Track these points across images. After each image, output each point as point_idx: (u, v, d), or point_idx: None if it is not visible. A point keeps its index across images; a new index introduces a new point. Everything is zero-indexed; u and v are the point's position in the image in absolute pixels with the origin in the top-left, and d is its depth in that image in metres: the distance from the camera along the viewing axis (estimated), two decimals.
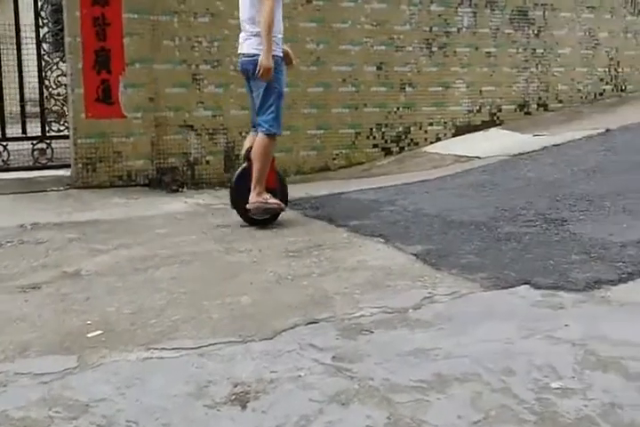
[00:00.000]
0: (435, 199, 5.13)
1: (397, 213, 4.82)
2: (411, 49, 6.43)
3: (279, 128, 4.48)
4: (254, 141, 4.45)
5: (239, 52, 4.49)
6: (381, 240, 4.13)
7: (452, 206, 4.82)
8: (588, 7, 7.18)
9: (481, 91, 6.91)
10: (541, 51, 7.12)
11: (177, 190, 5.88)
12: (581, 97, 7.37)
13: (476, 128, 6.98)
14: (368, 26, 5.27)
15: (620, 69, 7.41)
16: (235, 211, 4.62)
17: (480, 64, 6.84)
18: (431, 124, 6.81)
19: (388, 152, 6.79)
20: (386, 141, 6.74)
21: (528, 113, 7.24)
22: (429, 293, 3.14)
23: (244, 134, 6.13)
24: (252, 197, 4.43)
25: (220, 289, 3.31)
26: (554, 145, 6.18)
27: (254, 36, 4.31)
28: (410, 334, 2.65)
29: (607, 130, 6.29)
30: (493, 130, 7.03)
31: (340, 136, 6.55)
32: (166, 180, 5.98)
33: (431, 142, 6.92)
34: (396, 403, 2.07)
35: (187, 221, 4.84)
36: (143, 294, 3.25)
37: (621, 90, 7.49)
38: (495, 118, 7.07)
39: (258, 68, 4.23)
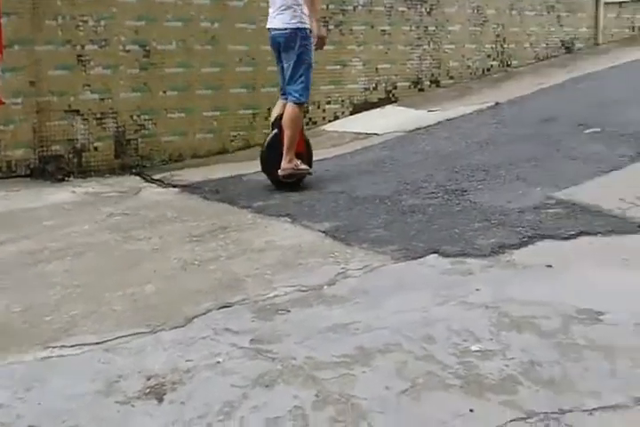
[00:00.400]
0: (337, 177, 5.10)
1: (301, 192, 4.75)
2: None
3: (308, 97, 4.79)
4: (281, 109, 4.72)
5: (269, 26, 4.70)
6: (288, 220, 4.04)
7: (356, 183, 4.81)
8: None
9: (377, 68, 6.95)
10: (433, 28, 7.24)
11: (62, 180, 5.49)
12: (471, 73, 7.59)
13: (372, 106, 7.02)
14: (264, 3, 5.11)
15: (505, 46, 7.68)
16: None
17: (375, 42, 6.86)
18: (329, 103, 6.78)
19: None
20: None
21: (421, 89, 7.37)
22: (342, 268, 3.10)
23: (135, 118, 5.84)
24: (284, 164, 4.66)
25: (120, 280, 3.10)
26: (447, 120, 6.32)
27: (285, 10, 4.52)
28: (327, 311, 2.59)
29: (496, 103, 6.51)
30: (389, 107, 7.10)
31: (238, 117, 6.38)
32: (50, 169, 5.58)
33: (329, 121, 6.89)
34: (321, 380, 2.00)
35: (76, 211, 4.53)
36: (35, 289, 3.00)
37: (507, 65, 7.77)
38: (391, 96, 7.14)
39: (313, 40, 4.56)
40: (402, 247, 3.39)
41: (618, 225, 3.48)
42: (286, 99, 4.72)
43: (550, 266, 3.01)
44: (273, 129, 4.85)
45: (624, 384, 1.94)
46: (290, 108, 4.63)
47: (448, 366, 2.07)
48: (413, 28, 7.11)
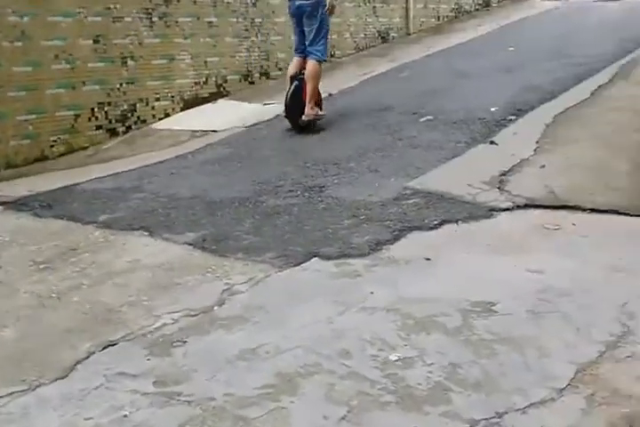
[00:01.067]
0: (184, 180, 4.82)
1: (150, 200, 4.41)
2: (130, 20, 5.86)
3: (326, 55, 5.79)
4: (299, 66, 5.63)
5: None
6: (145, 233, 3.74)
7: (207, 186, 4.58)
8: None
9: (206, 62, 6.67)
10: (260, 20, 7.11)
11: None
12: None
13: (204, 100, 6.74)
14: None
15: (328, 36, 7.76)
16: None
17: (203, 34, 6.57)
18: (158, 100, 6.39)
19: (113, 133, 6.21)
20: (110, 122, 6.15)
21: (252, 82, 7.24)
22: (226, 284, 2.92)
23: None
24: (308, 110, 5.50)
25: None
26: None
27: None
28: (227, 335, 2.42)
29: (330, 95, 6.57)
30: (221, 101, 6.87)
31: (58, 120, 5.78)
32: None
33: (160, 119, 6.50)
34: (252, 420, 1.84)
35: None
36: None
37: (331, 56, 7.86)
38: (222, 89, 6.91)
39: (326, 8, 5.44)
40: (280, 253, 3.28)
41: (472, 211, 3.67)
42: (303, 57, 5.63)
43: (429, 259, 3.09)
44: (292, 83, 5.63)
45: (540, 377, 2.02)
46: (312, 65, 5.51)
47: (375, 381, 2.02)
48: (240, 19, 6.93)
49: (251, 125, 6.06)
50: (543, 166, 4.18)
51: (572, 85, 5.57)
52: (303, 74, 5.56)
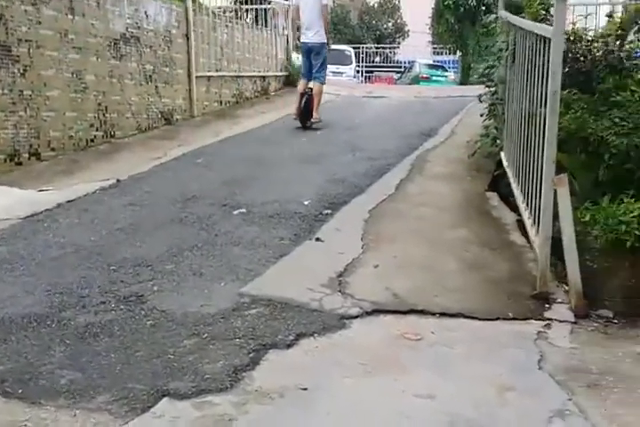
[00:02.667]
0: None
1: None
2: None
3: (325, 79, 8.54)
4: (305, 86, 8.19)
5: (306, 41, 8.15)
6: None
7: None
8: (74, 47, 6.61)
9: None
10: (29, 92, 6.20)
11: None
12: (74, 144, 6.75)
13: None
14: None
15: (108, 115, 7.12)
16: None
17: None
18: None
19: None
20: None
21: (19, 163, 6.23)
22: None
23: None
24: (314, 115, 8.09)
25: None
26: (68, 201, 5.41)
27: (318, 32, 8.05)
28: None
29: (118, 181, 5.91)
30: None
31: None
32: None
33: None
34: None
35: None
36: None
37: (111, 136, 7.21)
38: None
39: (325, 48, 8.23)
40: (117, 395, 2.60)
41: (324, 320, 3.37)
42: (308, 80, 8.21)
43: (305, 389, 2.68)
44: (302, 97, 8.14)
45: None
46: (317, 86, 8.14)
47: None
48: (6, 91, 5.98)
49: (27, 217, 5.10)
50: (377, 266, 4.08)
51: (375, 179, 5.72)
52: (309, 91, 8.13)
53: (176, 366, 2.86)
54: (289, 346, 3.10)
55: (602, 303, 3.54)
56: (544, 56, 3.65)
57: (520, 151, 4.60)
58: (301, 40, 8.30)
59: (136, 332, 3.22)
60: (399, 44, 25.70)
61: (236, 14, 9.67)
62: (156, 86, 7.84)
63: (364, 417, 2.43)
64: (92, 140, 7.00)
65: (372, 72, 20.75)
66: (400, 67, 21.60)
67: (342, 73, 17.62)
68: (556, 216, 3.52)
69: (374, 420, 2.40)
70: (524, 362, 2.95)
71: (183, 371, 2.81)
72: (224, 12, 9.25)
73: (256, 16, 10.06)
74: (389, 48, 25.01)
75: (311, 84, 8.10)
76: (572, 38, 4.39)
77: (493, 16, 6.44)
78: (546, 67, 3.66)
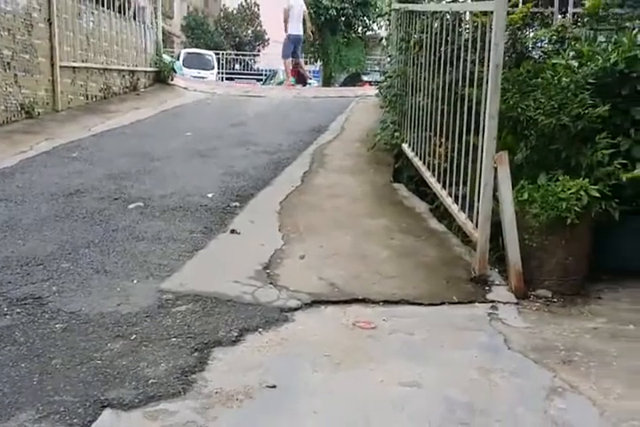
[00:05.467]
0: None
1: None
2: None
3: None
4: (292, 63, 12.84)
5: (293, 33, 12.30)
6: None
7: None
8: None
9: None
10: None
11: None
12: None
13: None
14: None
15: None
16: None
17: None
18: None
19: None
20: None
21: None
22: None
23: None
24: (305, 82, 14.25)
25: None
26: None
27: (301, 27, 12.47)
28: None
29: None
30: None
31: None
32: None
33: None
34: None
35: None
36: None
37: None
38: None
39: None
40: (44, 411, 2.09)
41: (264, 314, 3.02)
42: (294, 59, 12.66)
43: (274, 386, 2.31)
44: (295, 67, 13.01)
45: None
46: (301, 62, 13.36)
47: None
48: None
49: None
50: (303, 257, 3.78)
51: (277, 172, 5.40)
52: (297, 64, 12.82)
53: (109, 372, 2.37)
54: (234, 342, 2.71)
55: (540, 284, 3.50)
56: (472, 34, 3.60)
57: (432, 140, 4.55)
58: (289, 32, 12.22)
59: (45, 337, 2.66)
60: (259, 51, 25.55)
61: (98, 2, 8.87)
62: (15, 75, 6.93)
63: (356, 413, 2.12)
64: None
65: (232, 79, 20.37)
66: (261, 75, 21.41)
67: (204, 78, 17.08)
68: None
69: (369, 414, 2.10)
70: (491, 343, 2.79)
71: (119, 377, 2.33)
72: (90, 0, 8.45)
73: (119, 6, 9.31)
74: (250, 55, 24.76)
75: (296, 60, 12.76)
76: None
77: (387, 9, 6.42)
78: (476, 44, 3.62)
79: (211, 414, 2.10)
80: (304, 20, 12.61)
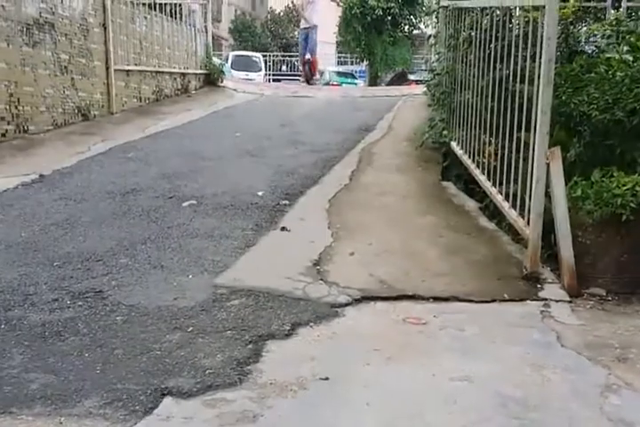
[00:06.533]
0: None
1: None
2: None
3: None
4: (305, 58, 12.57)
5: (306, 26, 12.50)
6: None
7: None
8: None
9: None
10: None
11: None
12: None
13: None
14: None
15: (20, 108, 6.42)
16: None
17: None
18: None
19: None
20: None
21: None
22: None
23: None
24: (314, 79, 13.40)
25: None
26: None
27: (314, 19, 12.44)
28: None
29: (41, 175, 5.29)
30: None
31: None
32: None
33: None
34: None
35: None
36: None
37: (24, 131, 6.50)
38: None
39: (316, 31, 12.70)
40: (108, 398, 2.18)
41: (315, 309, 3.08)
42: (305, 55, 12.47)
43: (327, 378, 2.36)
44: (305, 65, 12.68)
45: None
46: (315, 58, 12.59)
47: None
48: None
49: None
50: (353, 254, 3.82)
51: (326, 171, 5.46)
52: (309, 60, 12.19)
53: (168, 362, 2.46)
54: (287, 336, 2.77)
55: (593, 282, 3.45)
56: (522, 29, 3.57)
57: (481, 137, 4.52)
58: (302, 26, 12.57)
59: (107, 329, 2.78)
60: None
61: (151, 8, 9.12)
62: (72, 78, 7.19)
63: (410, 405, 2.15)
64: (3, 135, 6.26)
65: (279, 80, 20.56)
66: None
67: (252, 79, 17.31)
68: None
69: (423, 407, 2.13)
70: (543, 340, 2.78)
71: (178, 367, 2.42)
72: (143, 4, 8.69)
73: (171, 10, 9.55)
74: (296, 56, 24.95)
75: (308, 56, 12.35)
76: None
77: (434, 6, 6.41)
78: (527, 40, 3.60)
79: (266, 404, 2.16)
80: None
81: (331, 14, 18.66)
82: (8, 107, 6.32)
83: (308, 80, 12.77)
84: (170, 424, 2.03)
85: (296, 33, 18.76)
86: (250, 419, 2.05)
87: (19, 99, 6.44)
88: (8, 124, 6.36)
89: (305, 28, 12.43)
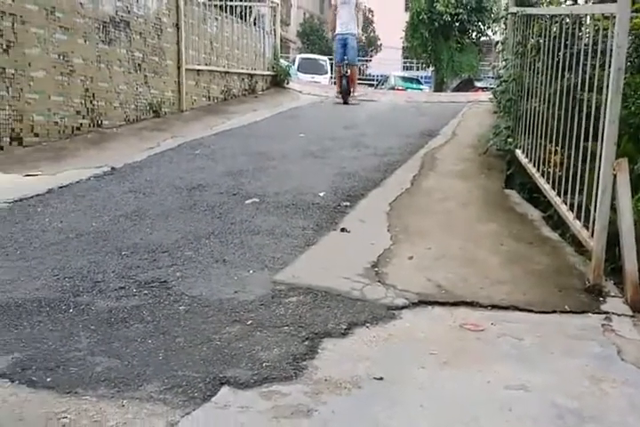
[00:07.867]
0: None
1: None
2: None
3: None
4: (342, 70, 10.36)
5: (343, 32, 10.32)
6: None
7: None
8: (60, 27, 6.18)
9: None
10: (12, 71, 5.74)
11: None
12: (59, 131, 6.30)
13: None
14: None
15: (95, 102, 6.69)
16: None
17: None
18: None
19: None
20: None
21: (0, 148, 5.77)
22: None
23: None
24: (353, 93, 10.29)
25: None
26: (61, 187, 4.99)
27: (352, 25, 10.36)
28: None
29: (113, 168, 5.51)
30: None
31: None
32: None
33: None
34: None
35: None
36: None
37: (98, 125, 6.79)
38: None
39: (356, 39, 10.62)
40: (169, 384, 2.26)
41: (372, 310, 3.09)
42: (346, 65, 10.32)
43: (381, 378, 2.38)
44: (342, 79, 10.31)
45: None
46: (354, 68, 10.50)
47: None
48: None
49: (17, 201, 4.67)
50: (411, 258, 3.82)
51: (387, 174, 5.48)
52: (346, 73, 10.16)
53: (227, 352, 2.53)
54: (343, 335, 2.80)
55: None
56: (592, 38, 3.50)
57: (547, 146, 4.44)
58: (337, 32, 10.31)
59: (169, 317, 2.87)
60: (371, 57, 25.78)
61: (222, 9, 9.34)
62: (145, 76, 7.46)
63: (464, 410, 2.14)
64: (77, 129, 6.56)
65: None
66: (372, 80, 21.60)
67: (318, 82, 17.46)
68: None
69: (477, 413, 2.12)
70: (603, 354, 2.72)
71: (236, 358, 2.49)
72: (214, 6, 8.93)
73: (241, 13, 9.75)
74: (362, 60, 25.06)
75: (346, 69, 10.29)
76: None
77: (503, 13, 6.33)
78: (597, 48, 3.52)
79: (321, 399, 2.20)
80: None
81: (397, 19, 18.64)
82: (83, 101, 6.60)
83: (344, 96, 9.91)
84: (226, 413, 2.09)
85: (363, 37, 16.37)
86: (304, 413, 2.10)
87: (94, 94, 6.72)
88: (83, 118, 6.64)
89: (342, 35, 10.15)
